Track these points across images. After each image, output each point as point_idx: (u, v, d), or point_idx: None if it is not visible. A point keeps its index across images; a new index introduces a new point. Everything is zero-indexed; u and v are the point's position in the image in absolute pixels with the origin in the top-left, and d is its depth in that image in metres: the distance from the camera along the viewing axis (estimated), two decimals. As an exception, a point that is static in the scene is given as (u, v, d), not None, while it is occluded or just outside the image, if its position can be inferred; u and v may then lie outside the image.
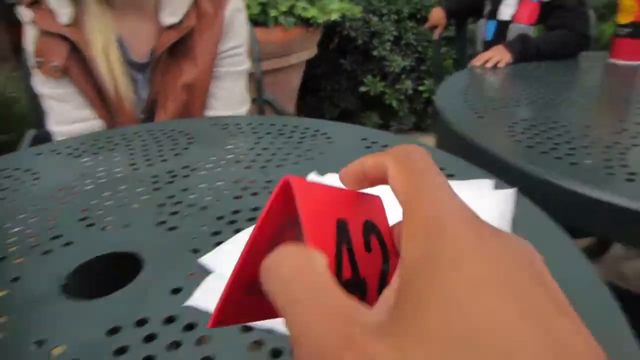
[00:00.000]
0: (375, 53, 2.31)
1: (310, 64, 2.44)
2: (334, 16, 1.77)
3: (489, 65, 1.01)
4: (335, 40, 2.31)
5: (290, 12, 1.67)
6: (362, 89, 2.39)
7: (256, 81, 1.33)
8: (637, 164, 0.57)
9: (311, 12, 1.69)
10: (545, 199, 0.56)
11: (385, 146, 0.66)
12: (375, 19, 2.26)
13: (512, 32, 1.24)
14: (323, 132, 0.72)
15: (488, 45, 1.19)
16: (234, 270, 0.19)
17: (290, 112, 2.13)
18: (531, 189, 0.57)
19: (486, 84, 0.92)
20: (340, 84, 2.51)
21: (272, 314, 0.18)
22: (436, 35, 1.51)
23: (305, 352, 0.13)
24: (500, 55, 1.02)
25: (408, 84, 2.38)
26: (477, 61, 1.04)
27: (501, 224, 0.47)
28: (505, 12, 1.26)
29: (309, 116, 2.84)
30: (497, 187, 0.52)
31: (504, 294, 0.12)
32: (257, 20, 1.63)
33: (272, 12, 1.60)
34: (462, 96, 0.83)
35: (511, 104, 0.80)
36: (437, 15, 1.49)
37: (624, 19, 0.97)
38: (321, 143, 0.68)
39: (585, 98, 0.85)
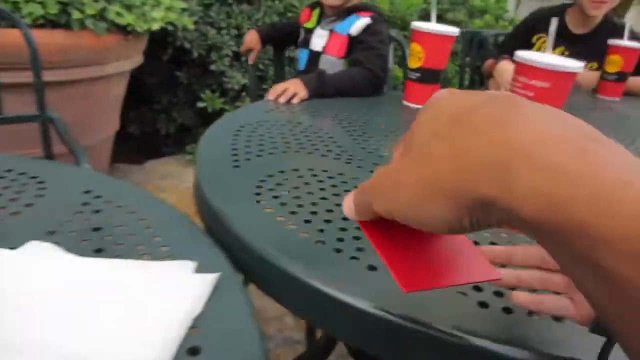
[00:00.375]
0: (213, 67, 2.19)
1: (142, 73, 2.25)
2: (156, 25, 1.61)
3: (282, 100, 0.96)
4: (168, 51, 2.14)
5: (101, 16, 1.48)
6: (200, 104, 2.26)
7: (36, 94, 1.13)
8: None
9: (127, 19, 1.51)
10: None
11: (110, 202, 0.54)
12: (213, 31, 2.15)
13: (323, 64, 1.22)
14: (40, 179, 0.58)
15: (301, 75, 1.14)
16: (381, 255, 0.28)
17: (112, 125, 1.91)
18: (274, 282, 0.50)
19: (268, 122, 0.83)
20: (178, 97, 2.34)
21: (463, 276, 0.29)
22: (251, 59, 1.44)
23: (364, 186, 0.27)
24: (295, 88, 0.97)
25: (249, 102, 2.31)
26: (271, 94, 0.98)
27: (194, 309, 0.39)
28: (317, 42, 1.24)
29: (145, 130, 2.61)
30: (200, 270, 0.43)
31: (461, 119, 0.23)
32: (57, 22, 1.41)
33: (75, 14, 1.39)
34: (232, 136, 0.74)
35: (281, 147, 0.73)
36: (251, 38, 1.42)
37: (413, 63, 0.99)
38: (28, 195, 0.54)
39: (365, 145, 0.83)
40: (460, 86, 1.94)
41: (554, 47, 1.63)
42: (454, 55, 2.70)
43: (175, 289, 0.41)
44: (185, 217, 0.55)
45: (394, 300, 0.41)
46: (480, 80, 1.94)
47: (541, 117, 0.21)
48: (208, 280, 0.42)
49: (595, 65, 1.64)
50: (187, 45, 2.09)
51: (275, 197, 0.57)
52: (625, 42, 1.52)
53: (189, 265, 0.44)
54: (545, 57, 0.79)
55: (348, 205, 0.29)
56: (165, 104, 2.34)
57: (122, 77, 1.83)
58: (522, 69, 0.79)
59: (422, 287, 0.27)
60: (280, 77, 1.55)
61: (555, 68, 0.77)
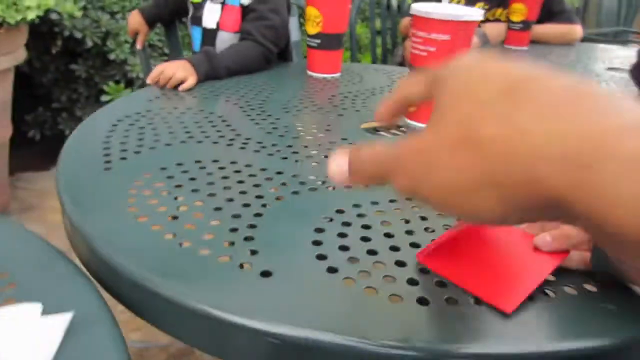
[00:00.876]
0: (113, 56, 2.01)
1: (33, 70, 2.03)
2: (32, 15, 1.43)
3: (169, 86, 0.85)
4: (58, 42, 1.93)
5: (-40, 9, 1.28)
6: (104, 97, 2.07)
7: None
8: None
9: (-7, 10, 1.32)
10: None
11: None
12: (106, 17, 1.95)
13: (221, 42, 1.11)
14: None
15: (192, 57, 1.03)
16: (465, 287, 0.29)
17: (2, 131, 1.71)
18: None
19: (151, 112, 0.71)
20: (78, 93, 2.14)
21: (540, 271, 0.28)
22: (139, 43, 1.30)
23: (378, 154, 0.24)
24: (183, 73, 0.85)
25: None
26: (152, 78, 0.87)
27: (47, 355, 0.31)
28: (210, 18, 1.12)
29: (46, 133, 2.37)
30: (57, 308, 0.35)
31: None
32: None
33: None
34: (106, 132, 0.64)
35: (165, 139, 0.64)
36: (134, 20, 1.27)
37: (311, 29, 0.92)
38: None
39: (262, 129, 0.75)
40: (374, 50, 1.89)
41: (474, 3, 1.62)
42: (367, 20, 2.64)
43: (10, 346, 0.33)
44: (43, 242, 0.45)
45: (291, 313, 0.35)
46: (393, 42, 1.90)
47: (608, 104, 0.18)
48: (56, 324, 0.34)
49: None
50: (77, 35, 1.89)
51: (153, 201, 0.49)
52: (527, -11, 1.52)
53: (33, 308, 0.36)
54: (441, 7, 0.75)
55: (339, 166, 0.25)
56: (65, 102, 2.13)
57: (5, 76, 1.63)
58: (420, 22, 0.73)
59: (519, 301, 0.27)
60: (176, 58, 1.42)
61: (454, 18, 0.72)
